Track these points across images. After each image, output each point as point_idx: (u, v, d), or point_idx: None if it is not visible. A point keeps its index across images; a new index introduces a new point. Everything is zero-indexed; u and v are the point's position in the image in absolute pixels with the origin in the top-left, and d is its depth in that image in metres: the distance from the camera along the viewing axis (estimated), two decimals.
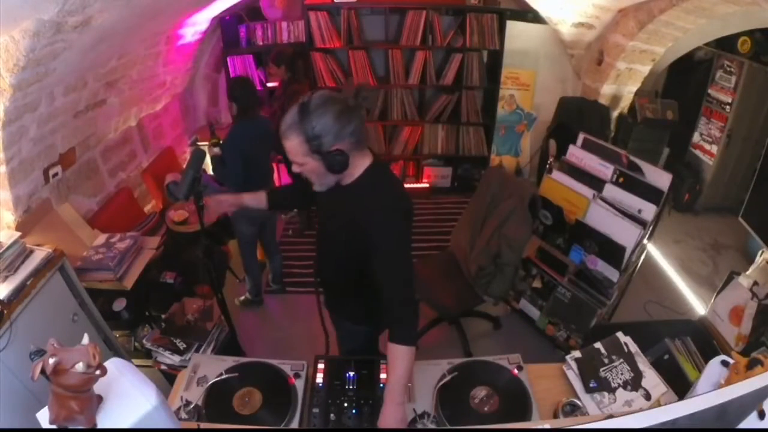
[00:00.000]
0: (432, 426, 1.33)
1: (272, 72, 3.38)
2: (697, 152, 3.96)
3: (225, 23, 3.56)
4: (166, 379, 2.09)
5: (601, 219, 2.36)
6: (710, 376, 1.24)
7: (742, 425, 0.90)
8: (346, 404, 1.38)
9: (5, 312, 1.65)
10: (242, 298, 3.06)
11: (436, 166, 4.42)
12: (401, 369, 1.29)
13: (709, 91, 3.77)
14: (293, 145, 1.26)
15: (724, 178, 3.85)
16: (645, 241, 2.38)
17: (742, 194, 3.18)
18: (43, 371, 0.85)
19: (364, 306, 1.59)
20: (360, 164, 1.36)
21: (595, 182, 2.45)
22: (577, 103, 3.85)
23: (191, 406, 1.35)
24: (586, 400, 1.43)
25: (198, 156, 1.58)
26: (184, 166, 1.77)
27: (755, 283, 1.97)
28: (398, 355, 1.30)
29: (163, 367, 2.10)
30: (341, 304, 1.70)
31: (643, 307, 2.98)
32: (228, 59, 3.71)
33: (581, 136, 2.60)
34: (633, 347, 1.57)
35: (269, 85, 3.81)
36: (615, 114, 3.85)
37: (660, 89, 4.08)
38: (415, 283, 1.39)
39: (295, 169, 1.34)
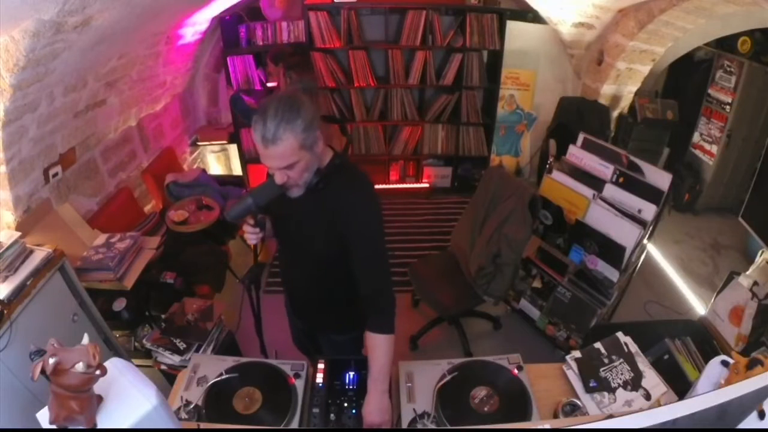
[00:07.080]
0: (432, 426, 1.33)
1: (271, 71, 3.38)
2: (697, 152, 3.96)
3: (225, 23, 3.56)
4: (166, 379, 2.09)
5: (601, 219, 2.36)
6: (710, 376, 1.24)
7: (742, 425, 0.90)
8: (346, 404, 1.38)
9: (5, 312, 1.65)
10: None
11: (436, 166, 4.42)
12: (384, 358, 1.34)
13: (709, 91, 3.76)
14: (288, 144, 1.20)
15: (724, 178, 3.85)
16: (645, 241, 2.38)
17: (742, 194, 3.19)
18: (43, 371, 0.85)
19: (351, 313, 1.53)
20: (327, 152, 1.39)
21: (595, 182, 2.44)
22: (577, 103, 3.85)
23: (191, 406, 1.35)
24: (586, 400, 1.43)
25: (269, 187, 1.32)
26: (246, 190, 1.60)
27: (755, 283, 1.97)
28: (380, 344, 1.34)
29: (163, 367, 2.10)
30: (327, 318, 1.65)
31: (643, 307, 2.98)
32: (228, 59, 3.71)
33: (581, 136, 2.60)
34: (633, 347, 1.57)
35: (269, 85, 3.80)
36: (615, 114, 3.85)
37: (660, 89, 4.08)
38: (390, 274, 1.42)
39: (280, 178, 1.27)
